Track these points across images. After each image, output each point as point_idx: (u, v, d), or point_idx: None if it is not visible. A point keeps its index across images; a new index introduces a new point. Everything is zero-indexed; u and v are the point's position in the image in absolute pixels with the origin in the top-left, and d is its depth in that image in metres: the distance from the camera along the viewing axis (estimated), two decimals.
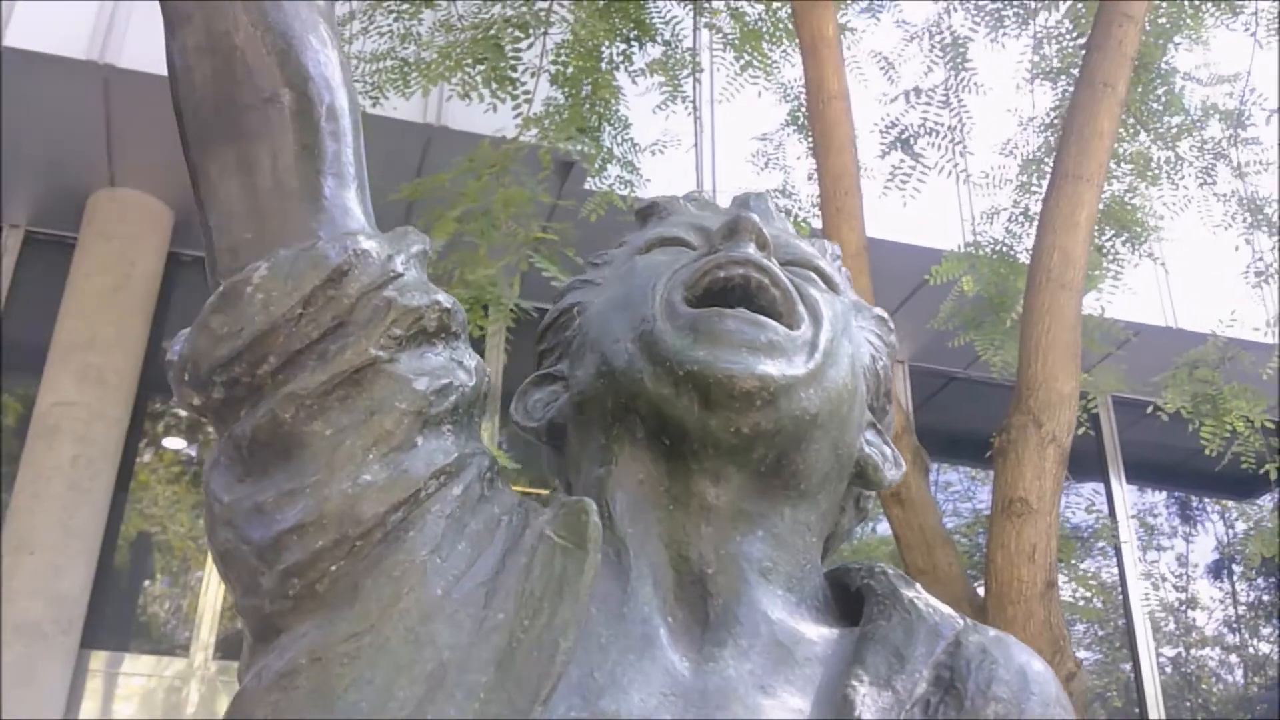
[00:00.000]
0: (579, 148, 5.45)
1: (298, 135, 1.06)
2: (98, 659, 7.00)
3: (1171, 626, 9.67)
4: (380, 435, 0.97)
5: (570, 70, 5.53)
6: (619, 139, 5.78)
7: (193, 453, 7.95)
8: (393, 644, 0.91)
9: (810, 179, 6.02)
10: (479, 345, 6.15)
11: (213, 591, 7.33)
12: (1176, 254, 7.00)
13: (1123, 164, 6.21)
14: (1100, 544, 8.96)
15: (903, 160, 5.88)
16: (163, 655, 7.32)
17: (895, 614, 1.00)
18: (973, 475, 9.32)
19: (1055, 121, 6.22)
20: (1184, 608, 9.81)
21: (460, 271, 4.63)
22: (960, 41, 6.06)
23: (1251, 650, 9.86)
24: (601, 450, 1.10)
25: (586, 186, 5.91)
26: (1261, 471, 5.88)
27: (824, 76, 4.69)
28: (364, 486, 0.95)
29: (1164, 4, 5.88)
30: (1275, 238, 6.00)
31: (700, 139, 6.07)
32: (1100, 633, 9.29)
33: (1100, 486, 9.33)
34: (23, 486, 6.70)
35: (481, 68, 5.21)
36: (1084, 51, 4.87)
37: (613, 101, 5.72)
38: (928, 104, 5.99)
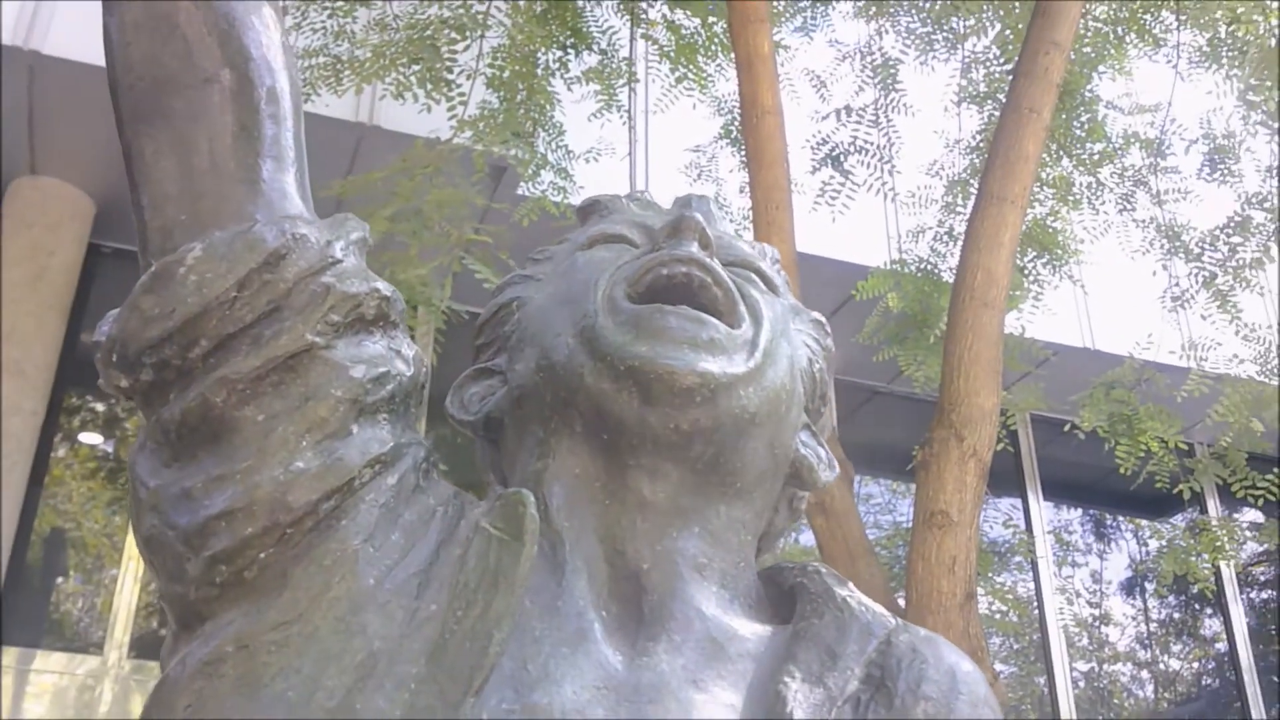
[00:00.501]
0: (513, 152, 5.44)
1: (237, 116, 1.05)
2: (9, 655, 6.82)
3: (1085, 641, 9.86)
4: (315, 422, 0.96)
5: (506, 74, 5.52)
6: (553, 145, 5.78)
7: (109, 448, 7.77)
8: (322, 633, 0.90)
9: (742, 192, 6.07)
10: None
11: (128, 590, 7.17)
12: (1095, 277, 7.16)
13: (1045, 188, 6.34)
14: (1017, 559, 9.11)
15: (833, 177, 5.94)
16: (76, 653, 7.14)
17: (828, 612, 1.01)
18: (894, 488, 9.44)
19: (981, 144, 6.34)
20: (1097, 623, 10.01)
21: (391, 271, 4.58)
22: (891, 63, 6.16)
23: (1162, 666, 10.10)
24: (539, 444, 1.10)
25: (519, 191, 5.90)
26: (1175, 491, 6.03)
27: (758, 92, 4.74)
28: (296, 473, 0.94)
29: (1089, 34, 6.02)
30: (1192, 264, 6.16)
31: (634, 148, 6.09)
32: (1016, 646, 9.44)
33: (1018, 502, 9.50)
34: None
35: (416, 68, 5.17)
36: (1011, 77, 4.96)
37: (548, 107, 5.72)
38: (858, 123, 6.07)
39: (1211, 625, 10.05)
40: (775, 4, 6.32)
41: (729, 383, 1.04)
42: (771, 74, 4.79)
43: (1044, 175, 6.29)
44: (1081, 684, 9.36)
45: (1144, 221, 6.47)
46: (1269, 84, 5.49)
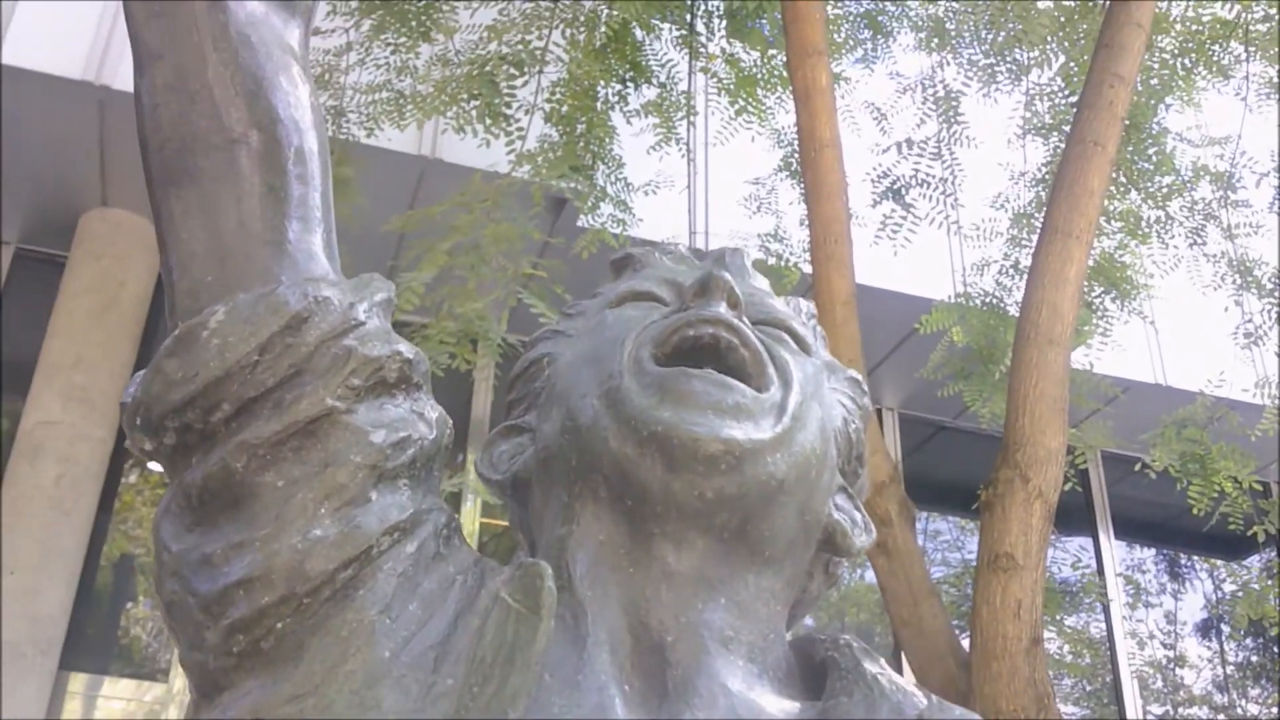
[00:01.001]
0: (572, 185, 5.46)
1: (264, 177, 1.04)
2: (77, 681, 6.91)
3: (1159, 684, 9.60)
4: (333, 489, 0.95)
5: (565, 108, 5.54)
6: (612, 178, 5.79)
7: None
8: (337, 707, 0.88)
9: (802, 225, 6.02)
10: (467, 379, 6.12)
11: None
12: (1166, 312, 7.01)
13: (1113, 221, 6.23)
14: (1087, 599, 8.91)
15: (894, 210, 5.88)
16: (143, 679, 7.23)
17: (858, 690, 0.98)
18: (961, 525, 9.29)
19: (1046, 177, 6.25)
20: (1171, 665, 9.74)
21: (449, 304, 4.61)
22: (953, 95, 6.09)
23: (1240, 711, 9.80)
24: (564, 509, 1.07)
25: (579, 224, 5.91)
26: (1249, 533, 5.86)
27: (816, 125, 4.71)
28: (314, 542, 0.92)
29: (1156, 65, 5.92)
30: (1265, 300, 6.01)
31: (693, 181, 6.08)
32: (1088, 688, 9.22)
33: (1088, 542, 9.30)
34: (5, 506, 6.64)
35: (476, 103, 5.22)
36: (1075, 109, 4.89)
37: (607, 141, 5.73)
38: (920, 155, 6.01)
39: None
40: (836, 36, 6.30)
41: (755, 449, 1.01)
42: (830, 106, 4.76)
43: (1111, 209, 6.19)
44: None
45: (1215, 256, 6.33)
46: None
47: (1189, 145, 6.40)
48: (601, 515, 1.05)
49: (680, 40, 6.07)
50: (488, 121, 5.20)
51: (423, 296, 4.58)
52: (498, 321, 4.72)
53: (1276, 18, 5.62)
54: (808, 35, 4.74)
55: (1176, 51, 6.04)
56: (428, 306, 4.67)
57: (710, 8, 6.19)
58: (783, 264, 5.98)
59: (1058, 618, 6.85)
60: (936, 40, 6.35)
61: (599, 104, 5.71)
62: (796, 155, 6.06)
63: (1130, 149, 5.93)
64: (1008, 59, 6.25)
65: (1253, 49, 5.96)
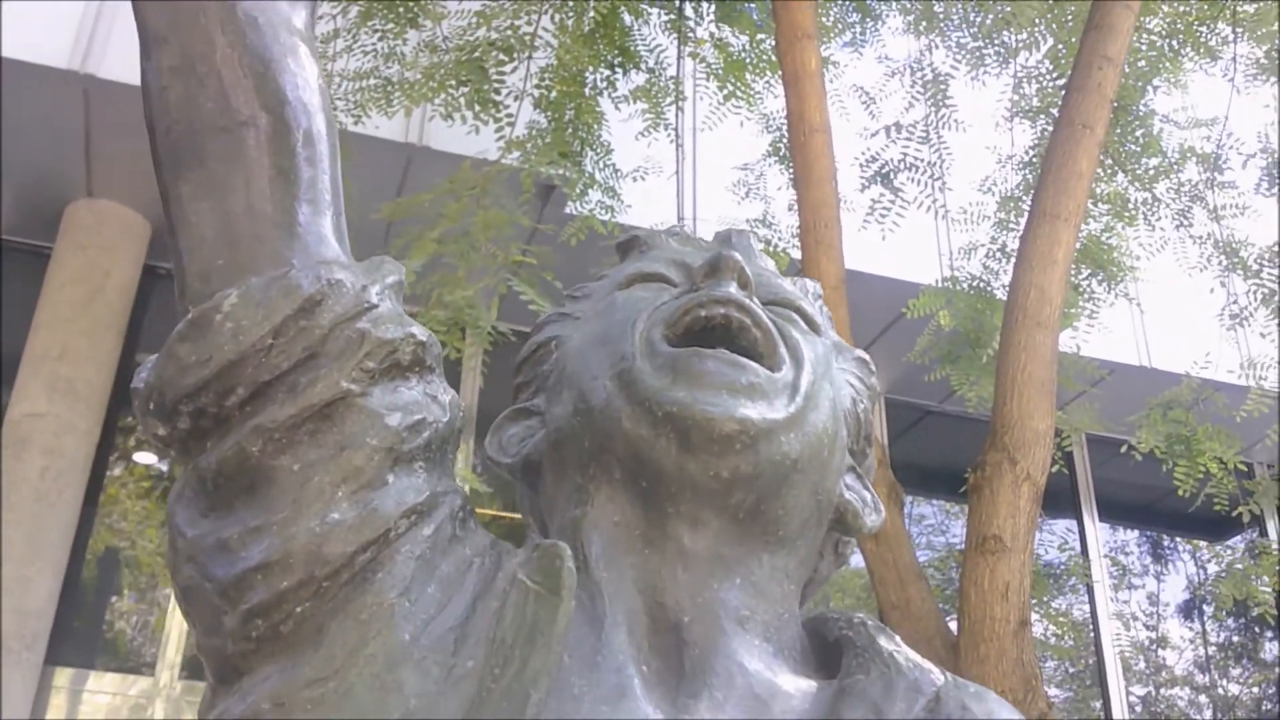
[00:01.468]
0: (560, 172, 5.44)
1: (273, 160, 1.04)
2: (62, 675, 6.89)
3: (1142, 665, 9.67)
4: (350, 472, 0.94)
5: (554, 95, 5.53)
6: (601, 164, 5.78)
7: (164, 468, 7.85)
8: (357, 691, 0.88)
9: (791, 210, 6.03)
10: (456, 368, 6.12)
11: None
12: (1152, 294, 7.04)
13: (1100, 204, 6.25)
14: (1071, 581, 8.97)
15: (882, 194, 5.89)
16: (128, 673, 7.20)
17: (874, 668, 0.98)
18: (947, 509, 9.33)
19: (1034, 160, 6.26)
20: (1154, 646, 9.82)
21: (438, 292, 4.60)
22: (941, 78, 6.10)
23: (1221, 691, 9.88)
24: (577, 490, 1.07)
25: (567, 210, 5.90)
26: (1235, 514, 5.90)
27: (806, 109, 4.71)
28: (332, 525, 0.92)
29: (1144, 47, 5.93)
30: (1251, 281, 6.04)
31: (682, 166, 6.08)
32: (1071, 670, 9.28)
33: (1073, 524, 9.35)
34: None
35: (465, 90, 5.19)
36: (1064, 92, 4.90)
37: (595, 127, 5.72)
38: (908, 139, 6.01)
39: (1272, 649, 9.84)
40: (824, 20, 6.29)
41: (769, 429, 1.02)
42: (819, 90, 4.75)
43: (1099, 191, 6.20)
44: (1138, 709, 9.18)
45: (1201, 238, 6.35)
46: None
47: (1175, 127, 6.42)
48: (616, 496, 1.05)
49: (669, 25, 6.06)
50: (476, 108, 5.17)
51: (412, 285, 4.56)
52: (487, 309, 4.71)
53: None
54: (797, 19, 4.74)
55: (1164, 33, 6.06)
56: (417, 295, 4.66)
57: None
58: (772, 249, 5.98)
59: (1044, 600, 6.90)
60: (925, 23, 6.34)
61: (587, 90, 5.70)
62: (785, 140, 6.06)
63: (1118, 131, 5.95)
64: (995, 42, 6.25)
65: (1240, 30, 5.97)
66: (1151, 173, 6.29)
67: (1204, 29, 6.02)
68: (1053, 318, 4.42)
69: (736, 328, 1.07)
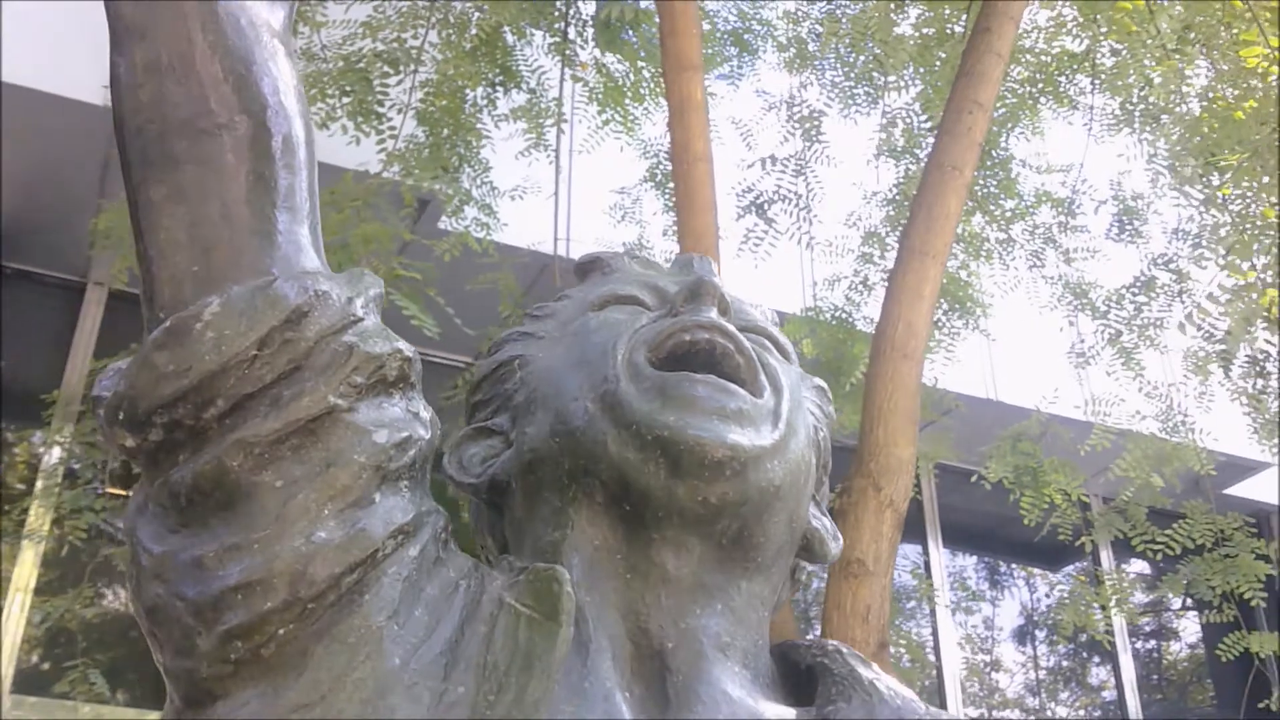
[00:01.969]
0: (438, 187, 5.38)
1: (252, 165, 1.00)
2: None
3: (976, 688, 9.99)
4: (337, 490, 0.92)
5: (434, 109, 5.47)
6: (478, 181, 5.73)
7: None
8: (347, 717, 0.85)
9: (665, 235, 6.08)
10: None
11: (13, 623, 6.84)
12: (1002, 331, 7.32)
13: (959, 242, 6.48)
14: (910, 604, 9.21)
15: (756, 224, 5.99)
16: None
17: (856, 696, 0.99)
18: None
19: (897, 198, 6.45)
20: (988, 670, 10.16)
21: None
22: (815, 115, 6.25)
23: (1049, 713, 10.28)
24: (556, 514, 1.06)
25: (440, 225, 5.83)
26: (1078, 543, 6.16)
27: (690, 139, 4.76)
28: (318, 545, 0.89)
29: (1006, 94, 6.18)
30: (1098, 322, 6.35)
31: (559, 188, 6.07)
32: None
33: (919, 548, 9.62)
34: None
35: (348, 100, 5.09)
36: (935, 134, 5.07)
37: (474, 143, 5.68)
38: (782, 172, 6.14)
39: (1098, 674, 10.28)
40: (704, 51, 6.38)
41: (758, 455, 1.03)
42: (703, 121, 4.82)
43: (958, 230, 6.42)
44: None
45: (1052, 278, 6.64)
46: (1187, 153, 5.69)
47: (1033, 172, 6.71)
48: (597, 520, 1.04)
49: (553, 48, 6.06)
50: (359, 119, 5.07)
51: None
52: None
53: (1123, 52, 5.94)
54: (684, 50, 4.79)
55: (1027, 80, 6.33)
56: None
57: (586, 17, 6.20)
58: None
59: (895, 623, 7.09)
60: (799, 61, 6.49)
61: (467, 106, 5.65)
62: (662, 167, 6.12)
63: (979, 173, 6.19)
64: (864, 82, 6.44)
65: (1099, 81, 6.29)
66: (1009, 214, 6.55)
67: (1062, 79, 6.32)
68: (918, 350, 4.57)
69: (720, 354, 1.08)
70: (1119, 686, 9.48)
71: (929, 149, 5.71)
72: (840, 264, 6.69)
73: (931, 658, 9.29)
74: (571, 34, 6.08)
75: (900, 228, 5.94)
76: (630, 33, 6.18)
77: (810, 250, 6.71)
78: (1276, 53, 4.84)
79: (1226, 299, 5.60)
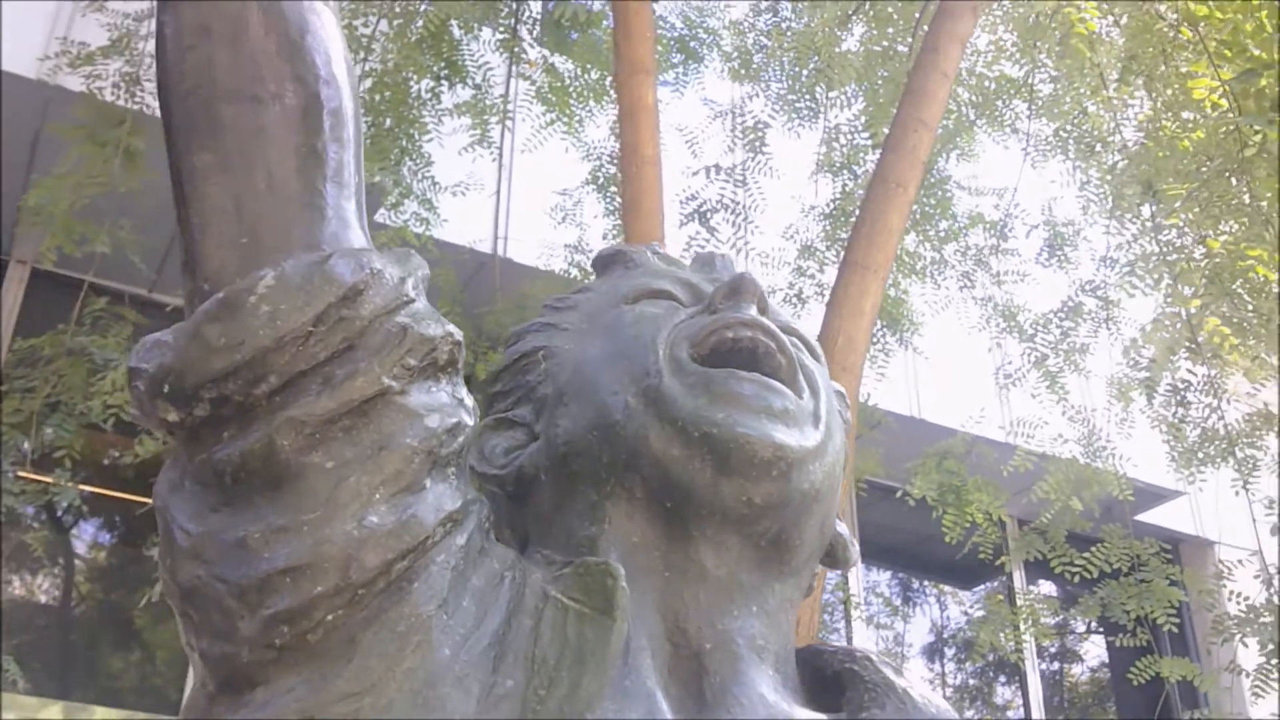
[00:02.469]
0: (378, 179, 5.30)
1: (304, 136, 0.97)
2: None
3: None
4: (389, 474, 0.89)
5: (378, 99, 5.39)
6: (420, 175, 5.67)
7: None
8: (397, 707, 0.83)
9: (606, 238, 6.06)
10: None
11: None
12: (928, 349, 7.43)
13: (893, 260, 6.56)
14: (828, 615, 9.29)
15: (698, 232, 6.01)
16: None
17: (889, 703, 0.99)
18: None
19: (834, 212, 6.52)
20: None
21: None
22: (760, 126, 6.29)
23: None
24: (592, 508, 1.04)
25: (378, 219, 5.74)
26: (998, 563, 6.26)
27: (640, 142, 4.76)
28: (370, 530, 0.86)
29: (946, 119, 6.28)
30: (1024, 345, 6.46)
31: (501, 186, 6.03)
32: None
33: None
34: None
35: None
36: (876, 151, 5.13)
37: (417, 137, 5.61)
38: (726, 181, 6.16)
39: (1004, 693, 10.47)
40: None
41: (803, 456, 1.02)
42: (653, 125, 4.82)
43: None
44: None
45: (982, 300, 6.76)
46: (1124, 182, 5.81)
47: (967, 193, 6.82)
48: (635, 515, 1.02)
49: (501, 44, 6.01)
50: None
51: None
52: None
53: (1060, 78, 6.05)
54: (637, 53, 4.79)
55: (967, 103, 6.44)
56: None
57: (535, 15, 6.16)
58: (587, 276, 6.01)
59: (818, 637, 7.14)
60: (744, 71, 6.53)
61: (411, 99, 5.58)
62: (604, 169, 6.11)
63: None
64: (808, 96, 6.49)
65: (1035, 107, 6.42)
66: (942, 234, 6.65)
67: (999, 103, 6.44)
68: (857, 364, 4.62)
69: (763, 352, 1.06)
70: (1025, 705, 9.66)
71: (869, 165, 5.78)
72: (776, 276, 6.74)
73: None
74: (522, 32, 6.04)
75: (837, 243, 6.01)
76: (577, 34, 6.16)
77: (748, 260, 6.75)
78: (1224, 86, 4.97)
79: (1149, 328, 5.75)
